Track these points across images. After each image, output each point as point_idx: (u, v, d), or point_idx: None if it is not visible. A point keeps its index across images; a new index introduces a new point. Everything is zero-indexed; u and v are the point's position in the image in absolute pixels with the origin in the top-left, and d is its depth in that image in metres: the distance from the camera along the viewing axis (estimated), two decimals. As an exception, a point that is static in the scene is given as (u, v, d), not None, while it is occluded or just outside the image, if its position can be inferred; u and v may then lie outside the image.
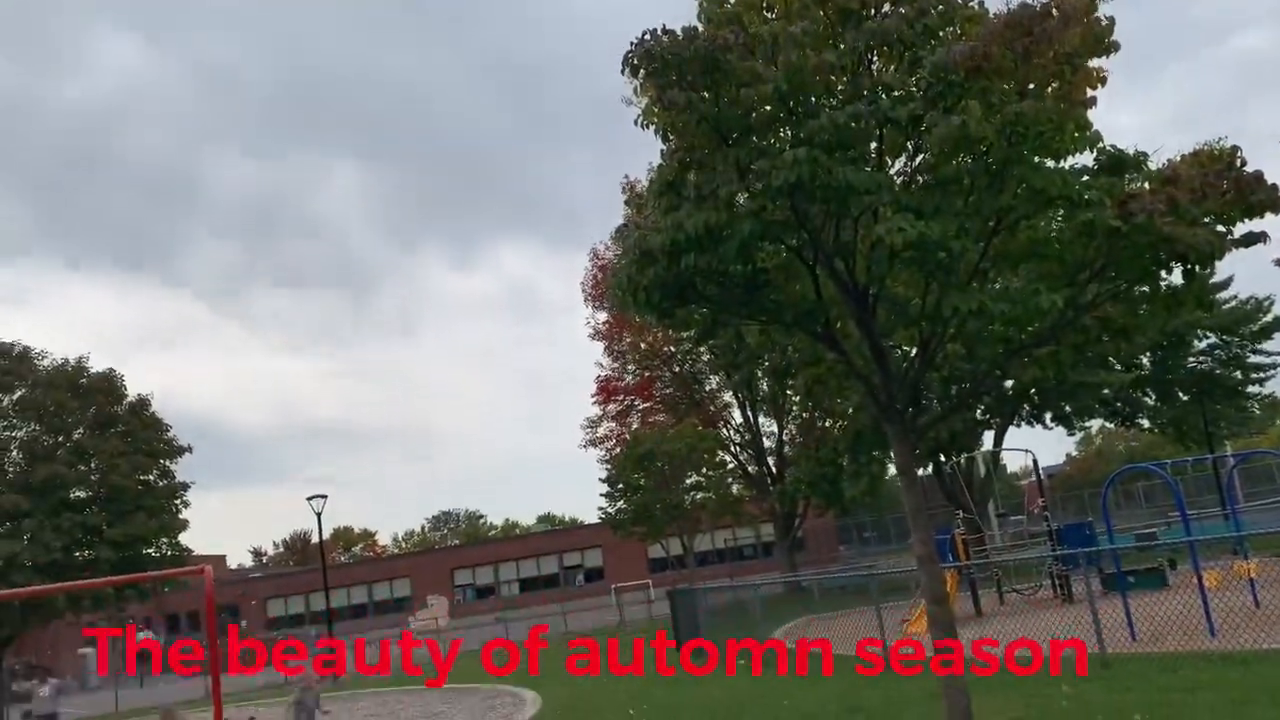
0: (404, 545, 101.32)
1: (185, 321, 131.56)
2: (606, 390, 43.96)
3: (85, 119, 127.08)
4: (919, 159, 7.55)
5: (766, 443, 42.02)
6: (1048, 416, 33.79)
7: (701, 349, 38.50)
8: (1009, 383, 28.01)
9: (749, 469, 42.32)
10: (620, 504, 40.66)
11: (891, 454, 26.14)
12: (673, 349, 40.68)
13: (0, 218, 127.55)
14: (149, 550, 31.15)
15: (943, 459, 31.73)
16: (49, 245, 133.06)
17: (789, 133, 7.12)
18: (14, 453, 31.27)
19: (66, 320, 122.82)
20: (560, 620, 35.38)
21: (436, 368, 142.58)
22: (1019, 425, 34.25)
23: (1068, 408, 33.45)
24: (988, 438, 33.72)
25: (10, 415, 31.50)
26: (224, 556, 68.19)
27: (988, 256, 7.64)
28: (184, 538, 32.80)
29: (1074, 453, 79.47)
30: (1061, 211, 7.57)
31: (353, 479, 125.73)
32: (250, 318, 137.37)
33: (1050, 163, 7.23)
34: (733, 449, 42.63)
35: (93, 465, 31.19)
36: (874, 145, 7.32)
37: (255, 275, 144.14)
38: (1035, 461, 25.18)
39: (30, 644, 39.92)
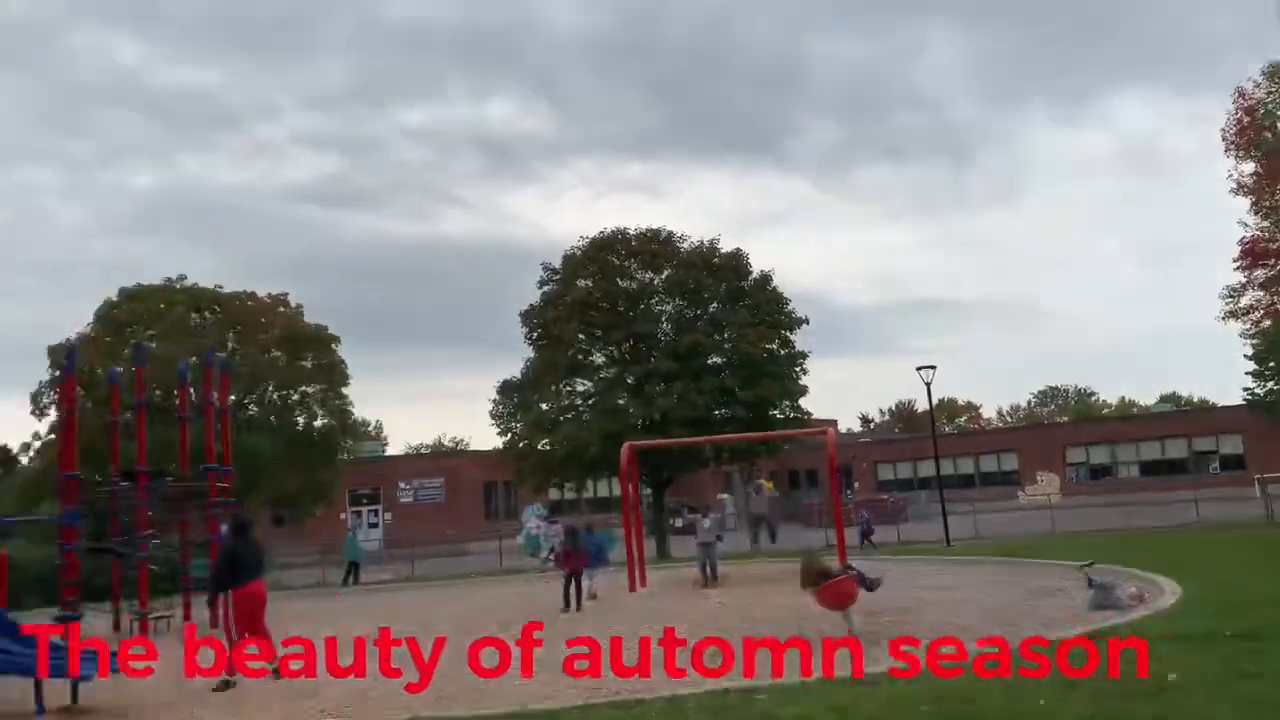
0: (1008, 419, 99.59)
1: (793, 200, 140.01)
2: (1253, 254, 37.98)
3: (704, 16, 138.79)
4: None
5: None
6: None
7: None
8: None
9: None
10: (1271, 385, 35.59)
11: None
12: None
13: (640, 118, 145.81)
14: (774, 412, 34.22)
15: None
16: (677, 139, 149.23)
17: None
18: (665, 324, 36.19)
19: (693, 206, 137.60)
20: (1191, 508, 32.22)
21: (1039, 235, 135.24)
22: None
23: None
24: None
25: (660, 292, 36.38)
26: (835, 421, 72.40)
27: None
28: (803, 402, 35.45)
29: None
30: None
31: (953, 351, 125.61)
32: (852, 193, 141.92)
33: None
34: None
35: (725, 335, 34.95)
36: None
37: (856, 151, 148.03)
38: None
39: (681, 488, 46.55)
